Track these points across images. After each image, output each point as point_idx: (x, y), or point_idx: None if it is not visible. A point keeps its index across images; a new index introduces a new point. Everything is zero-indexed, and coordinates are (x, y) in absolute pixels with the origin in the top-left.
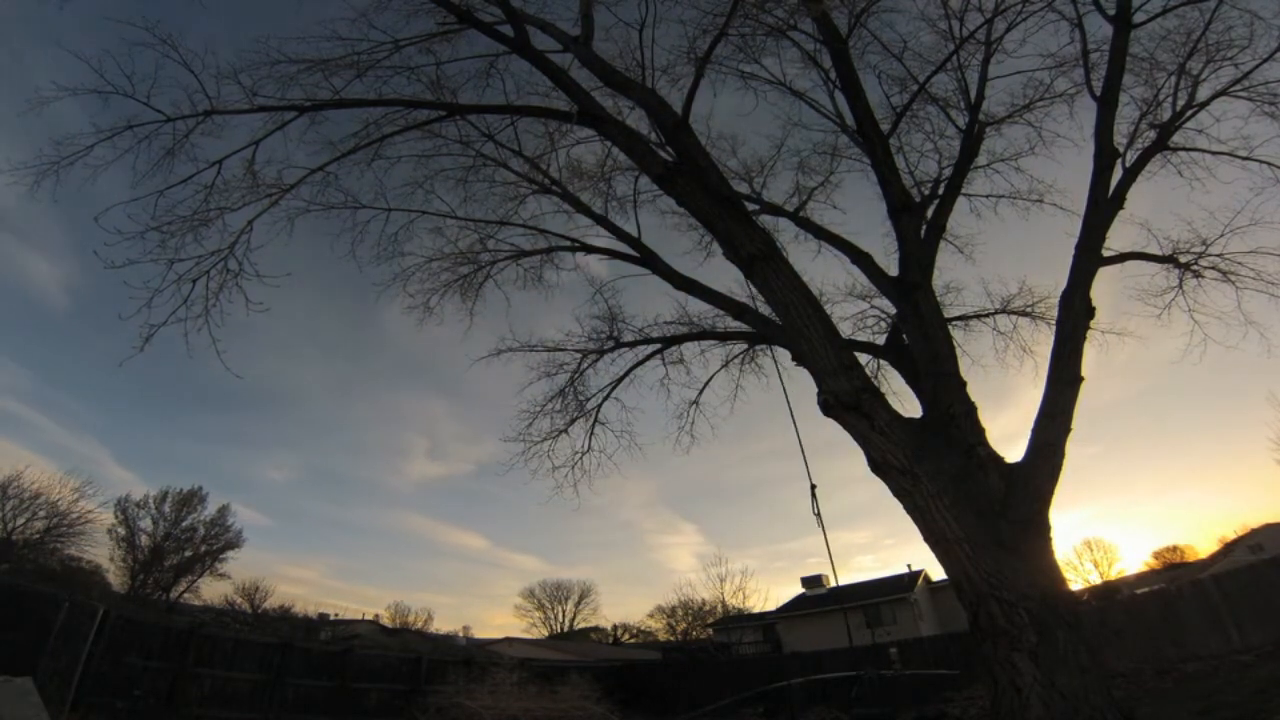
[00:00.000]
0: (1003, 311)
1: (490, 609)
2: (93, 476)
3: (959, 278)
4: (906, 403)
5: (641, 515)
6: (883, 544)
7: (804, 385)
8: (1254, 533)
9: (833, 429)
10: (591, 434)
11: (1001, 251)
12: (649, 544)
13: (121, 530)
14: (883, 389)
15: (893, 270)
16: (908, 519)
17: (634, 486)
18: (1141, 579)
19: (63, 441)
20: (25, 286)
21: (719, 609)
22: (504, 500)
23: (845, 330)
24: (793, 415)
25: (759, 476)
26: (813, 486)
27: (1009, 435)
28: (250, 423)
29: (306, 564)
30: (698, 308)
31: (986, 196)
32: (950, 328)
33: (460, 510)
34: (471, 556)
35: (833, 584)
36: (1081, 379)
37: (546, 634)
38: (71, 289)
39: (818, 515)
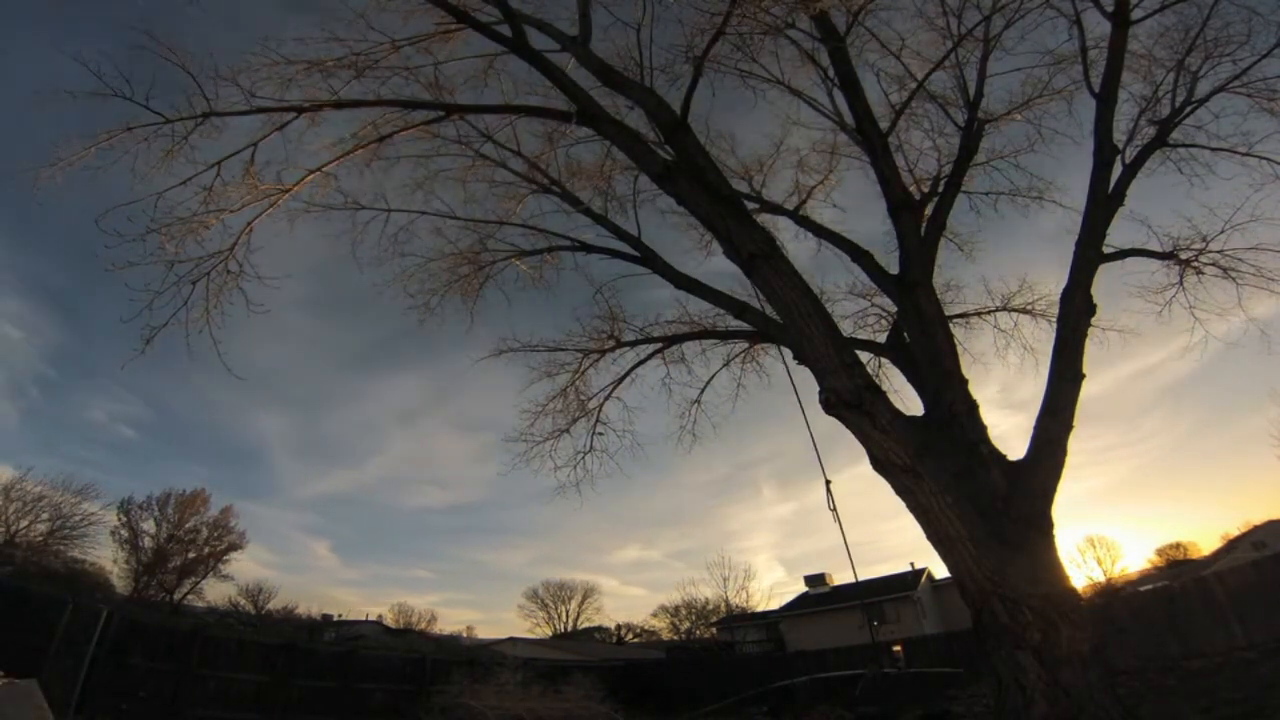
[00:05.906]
0: (1003, 309)
1: None
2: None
3: (959, 275)
4: (908, 401)
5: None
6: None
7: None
8: (1257, 529)
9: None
10: (594, 433)
11: (1002, 249)
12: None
13: (124, 532)
14: (884, 387)
15: (893, 268)
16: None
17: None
18: (1144, 576)
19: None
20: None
21: (722, 608)
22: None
23: (846, 328)
24: (804, 411)
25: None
26: (828, 482)
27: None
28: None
29: (421, 593)
30: (698, 307)
31: (986, 194)
32: (951, 325)
33: (622, 570)
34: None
35: (850, 580)
36: (1083, 376)
37: (550, 634)
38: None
39: (833, 510)
